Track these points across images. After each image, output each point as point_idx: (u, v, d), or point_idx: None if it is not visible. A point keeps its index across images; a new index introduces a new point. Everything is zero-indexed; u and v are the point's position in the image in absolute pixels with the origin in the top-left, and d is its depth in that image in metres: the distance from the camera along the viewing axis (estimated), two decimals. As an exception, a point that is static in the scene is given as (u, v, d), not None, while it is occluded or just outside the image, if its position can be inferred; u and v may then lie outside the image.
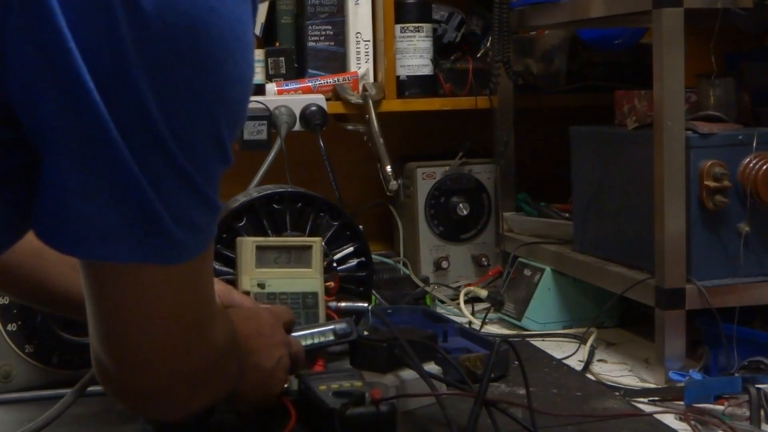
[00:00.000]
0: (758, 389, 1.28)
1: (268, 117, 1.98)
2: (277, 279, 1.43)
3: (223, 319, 0.99)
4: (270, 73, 2.17)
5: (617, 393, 1.42)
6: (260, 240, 1.46)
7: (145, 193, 0.79)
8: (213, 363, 0.95)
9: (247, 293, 1.41)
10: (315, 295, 1.45)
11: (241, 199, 1.58)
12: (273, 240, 1.47)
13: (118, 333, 0.86)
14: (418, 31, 2.18)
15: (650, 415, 1.32)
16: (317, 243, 1.48)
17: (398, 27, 2.18)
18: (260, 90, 2.12)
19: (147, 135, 0.78)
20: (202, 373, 0.94)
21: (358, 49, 2.20)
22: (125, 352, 0.87)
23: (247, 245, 1.44)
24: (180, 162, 0.79)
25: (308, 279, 1.45)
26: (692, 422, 1.26)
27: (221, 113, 0.81)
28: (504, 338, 1.53)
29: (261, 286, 1.43)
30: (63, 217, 0.81)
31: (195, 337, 0.90)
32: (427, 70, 2.19)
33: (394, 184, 2.00)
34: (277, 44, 2.21)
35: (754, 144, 1.49)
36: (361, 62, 2.20)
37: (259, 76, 2.12)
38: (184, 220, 0.82)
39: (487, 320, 1.84)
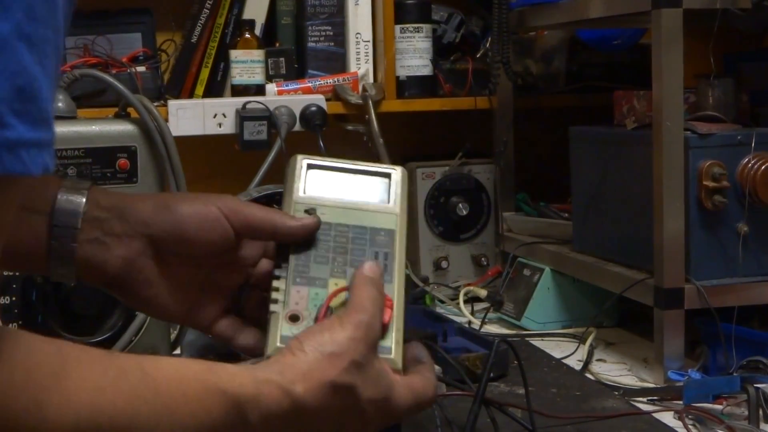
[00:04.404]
0: (757, 388, 1.29)
1: (268, 117, 1.99)
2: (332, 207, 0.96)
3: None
4: (270, 73, 2.17)
5: (616, 392, 1.42)
6: (314, 159, 1.00)
7: None
8: None
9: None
10: (390, 233, 0.95)
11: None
12: (332, 161, 1.00)
13: None
14: (418, 31, 2.18)
15: (649, 414, 1.32)
16: (399, 173, 0.99)
17: (398, 27, 2.18)
18: (260, 90, 2.13)
19: None
20: None
21: (358, 50, 2.20)
22: None
23: (297, 162, 1.00)
24: None
25: (381, 214, 0.96)
26: (689, 421, 1.26)
27: None
28: (503, 338, 1.53)
29: (310, 213, 0.96)
30: None
31: None
32: (426, 70, 2.20)
33: (393, 185, 2.00)
34: (277, 45, 2.21)
35: (753, 144, 1.49)
36: (361, 62, 2.20)
37: (259, 77, 2.12)
38: None
39: (486, 320, 1.85)
